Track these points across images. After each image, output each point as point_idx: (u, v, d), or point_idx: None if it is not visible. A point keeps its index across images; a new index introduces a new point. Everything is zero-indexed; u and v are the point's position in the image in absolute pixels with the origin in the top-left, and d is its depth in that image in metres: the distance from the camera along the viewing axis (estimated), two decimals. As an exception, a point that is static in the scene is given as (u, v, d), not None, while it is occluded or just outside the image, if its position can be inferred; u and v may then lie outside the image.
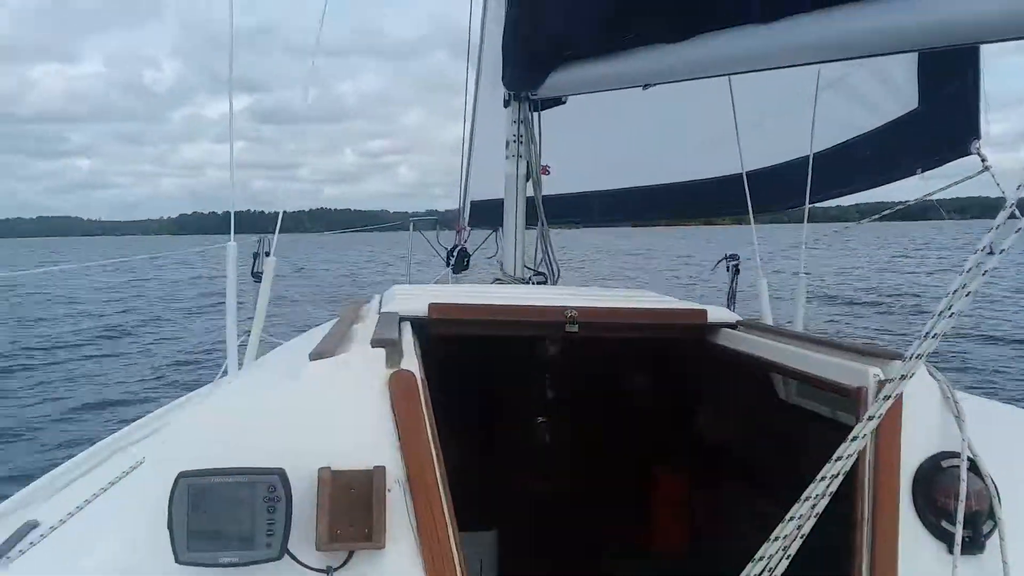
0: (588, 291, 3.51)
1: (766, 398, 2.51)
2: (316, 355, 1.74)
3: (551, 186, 4.54)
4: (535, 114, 3.84)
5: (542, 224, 3.86)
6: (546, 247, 3.94)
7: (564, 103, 3.82)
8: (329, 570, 1.45)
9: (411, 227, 5.92)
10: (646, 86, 3.22)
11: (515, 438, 3.33)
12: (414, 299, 2.50)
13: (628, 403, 3.29)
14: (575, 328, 2.38)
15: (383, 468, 1.49)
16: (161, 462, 1.49)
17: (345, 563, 1.46)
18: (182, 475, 1.39)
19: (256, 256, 3.61)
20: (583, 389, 3.31)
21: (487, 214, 5.59)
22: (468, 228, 5.80)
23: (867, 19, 2.49)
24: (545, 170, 4.20)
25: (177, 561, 1.36)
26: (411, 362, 1.69)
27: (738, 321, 2.51)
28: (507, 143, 3.86)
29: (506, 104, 3.89)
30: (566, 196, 5.21)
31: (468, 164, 5.77)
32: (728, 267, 3.97)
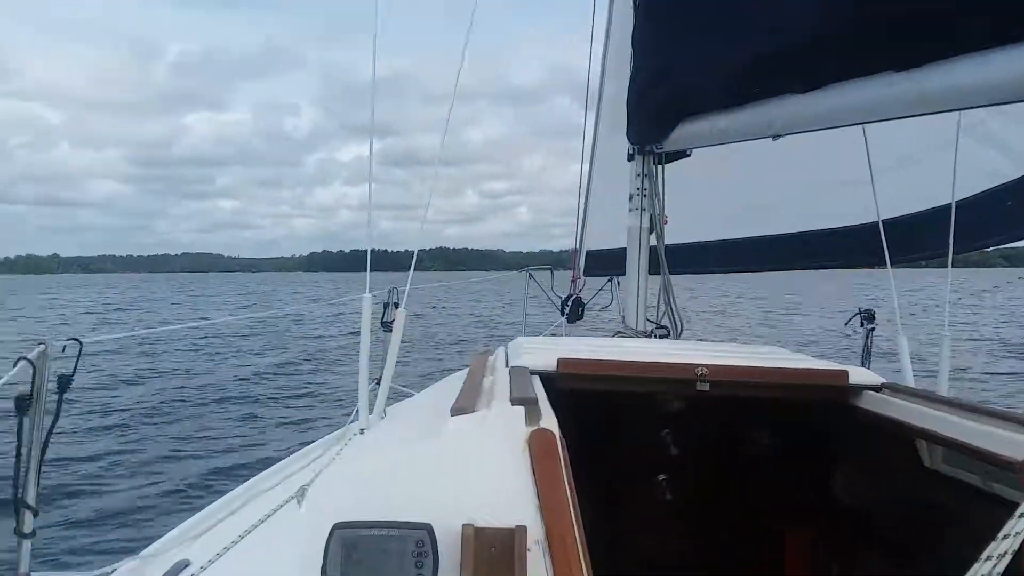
0: (715, 347, 3.43)
1: (910, 465, 2.37)
2: (457, 411, 1.79)
3: (668, 235, 4.51)
4: (658, 167, 3.84)
5: (665, 276, 3.81)
6: (669, 299, 3.89)
7: (689, 156, 3.81)
8: None
9: (528, 276, 5.97)
10: (775, 137, 3.17)
11: (637, 496, 3.24)
12: (541, 353, 2.53)
13: (757, 462, 3.15)
14: (706, 387, 2.36)
15: (524, 528, 1.49)
16: (313, 511, 1.56)
17: None
18: (337, 527, 1.44)
19: (387, 306, 3.72)
20: (708, 446, 3.20)
21: (603, 263, 5.59)
22: (583, 278, 5.81)
23: (1011, 63, 2.38)
24: (664, 220, 4.17)
25: None
26: (550, 421, 1.71)
27: (883, 384, 2.39)
28: (631, 196, 3.87)
29: (630, 158, 3.90)
30: (683, 246, 5.13)
31: (584, 215, 5.80)
32: (862, 322, 3.79)
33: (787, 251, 4.80)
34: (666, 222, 4.14)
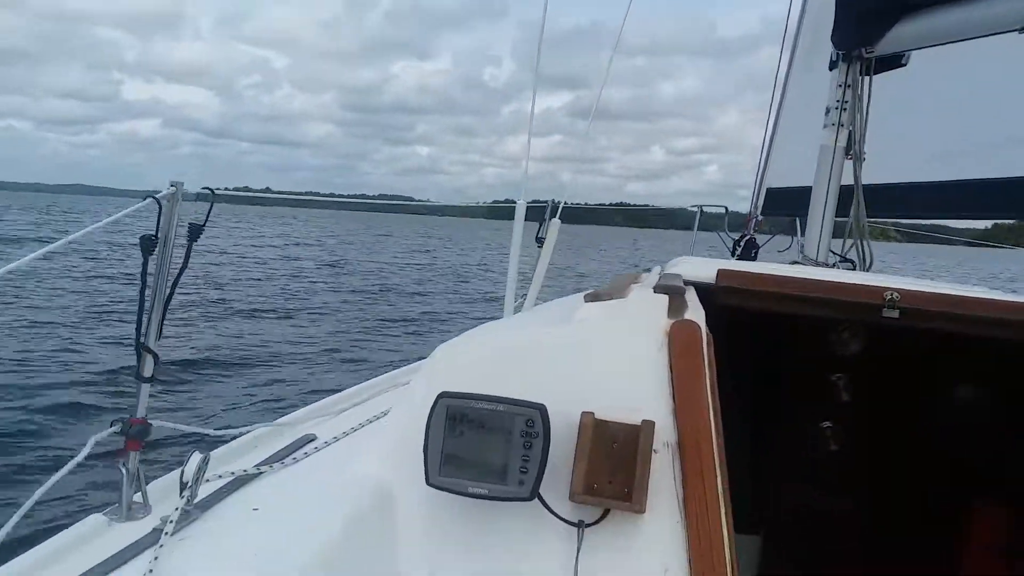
0: (912, 280, 2.96)
1: None
2: (592, 297, 1.61)
3: (865, 174, 4.00)
4: (866, 78, 3.31)
5: (858, 203, 3.32)
6: (860, 231, 3.40)
7: (905, 64, 3.25)
8: (581, 524, 1.31)
9: (699, 212, 5.60)
10: (1023, 29, 2.57)
11: (796, 441, 2.92)
12: (701, 266, 2.24)
13: (947, 418, 2.72)
14: (895, 313, 1.95)
15: (652, 424, 1.31)
16: (424, 383, 1.45)
17: (598, 521, 1.31)
18: (442, 395, 1.33)
19: (541, 222, 3.61)
20: (888, 395, 2.80)
21: (786, 202, 5.08)
22: (761, 217, 5.32)
23: None
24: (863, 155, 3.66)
25: (428, 483, 1.31)
26: (697, 314, 1.49)
27: None
28: (827, 110, 3.38)
29: (832, 65, 3.40)
30: (884, 186, 4.53)
31: (770, 147, 5.28)
32: None
33: (1008, 199, 4.06)
34: (864, 158, 3.64)
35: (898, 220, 5.03)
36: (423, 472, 1.31)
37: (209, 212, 1.61)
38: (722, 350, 1.76)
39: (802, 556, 2.85)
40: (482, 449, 1.30)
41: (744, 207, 5.57)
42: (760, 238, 5.21)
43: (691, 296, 1.80)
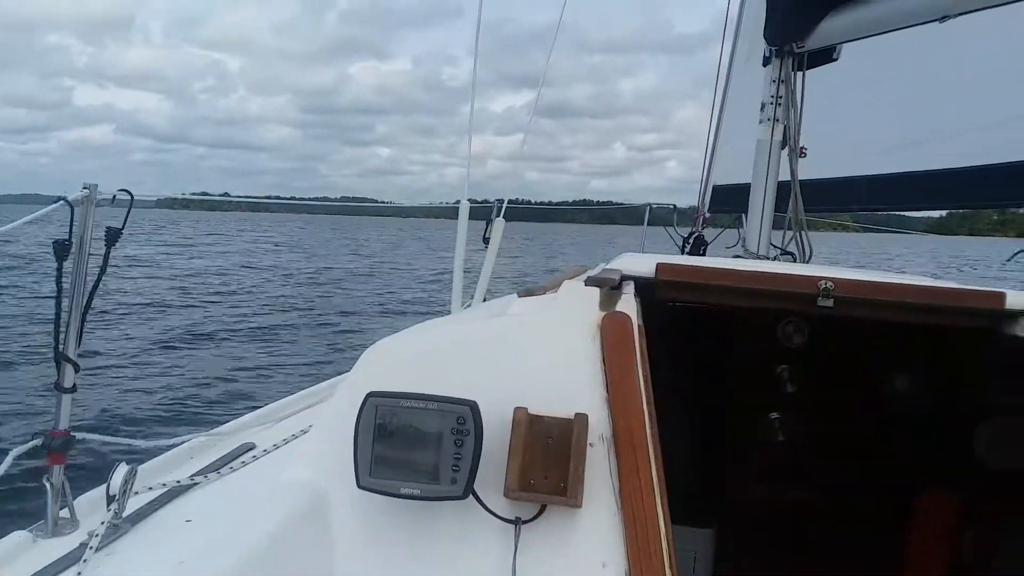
0: (848, 270, 3.03)
1: None
2: (525, 293, 1.61)
3: (805, 170, 4.10)
4: (798, 73, 3.38)
5: (796, 198, 3.39)
6: (799, 224, 3.47)
7: (836, 59, 3.33)
8: (518, 521, 1.30)
9: (647, 210, 5.67)
10: (944, 18, 2.64)
11: (743, 433, 2.96)
12: (641, 261, 2.25)
13: (888, 406, 2.78)
14: (830, 303, 1.99)
15: (585, 417, 1.31)
16: (353, 384, 1.43)
17: (535, 518, 1.30)
18: (371, 395, 1.31)
19: (488, 222, 3.61)
20: (830, 385, 2.85)
21: (732, 199, 5.17)
22: (708, 215, 5.41)
23: None
24: (801, 152, 3.75)
25: (359, 485, 1.29)
26: (629, 306, 1.49)
27: None
28: (762, 106, 3.45)
29: (766, 62, 3.47)
30: (824, 181, 4.63)
31: (714, 146, 5.37)
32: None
33: (949, 188, 4.18)
34: (803, 154, 3.73)
35: (837, 213, 5.13)
36: (354, 474, 1.30)
37: (127, 215, 1.56)
38: (665, 344, 1.77)
39: (756, 547, 2.89)
40: (413, 449, 1.28)
41: (695, 203, 5.66)
42: (710, 234, 5.31)
43: (627, 289, 1.80)
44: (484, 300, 3.42)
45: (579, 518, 1.30)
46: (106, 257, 1.55)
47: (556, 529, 1.30)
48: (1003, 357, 2.15)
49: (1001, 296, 1.97)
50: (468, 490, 1.28)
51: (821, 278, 2.01)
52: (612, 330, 1.41)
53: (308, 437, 1.66)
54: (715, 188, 5.42)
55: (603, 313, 1.45)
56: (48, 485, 1.48)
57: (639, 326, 1.44)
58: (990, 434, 2.46)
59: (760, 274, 2.19)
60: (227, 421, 2.28)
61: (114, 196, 1.53)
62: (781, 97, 3.34)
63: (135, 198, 1.59)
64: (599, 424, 1.33)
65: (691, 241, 5.18)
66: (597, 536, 1.28)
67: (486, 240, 3.62)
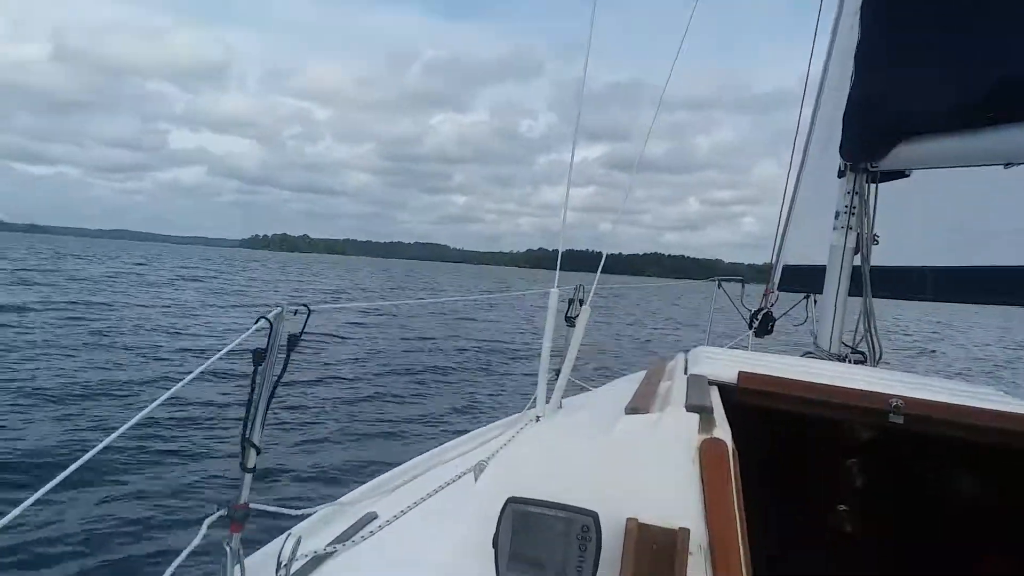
0: (918, 379, 3.15)
1: None
2: (631, 410, 1.82)
3: (878, 256, 4.26)
4: (871, 186, 3.63)
5: (867, 297, 3.59)
6: (869, 323, 3.66)
7: (907, 176, 3.55)
8: None
9: (717, 284, 5.83)
10: (1007, 165, 2.89)
11: (813, 524, 3.07)
12: (722, 364, 2.46)
13: (957, 511, 2.84)
14: (899, 420, 2.16)
15: (687, 530, 1.50)
16: (492, 483, 1.67)
17: None
18: (511, 500, 1.53)
19: (571, 302, 3.87)
20: (900, 481, 2.95)
21: (801, 279, 5.34)
22: (776, 292, 5.57)
23: None
24: (874, 239, 3.92)
25: None
26: (723, 431, 1.71)
27: None
28: (837, 214, 3.68)
29: (841, 174, 3.70)
30: (894, 269, 4.77)
31: (786, 226, 5.55)
32: None
33: (1017, 284, 4.28)
34: (876, 242, 3.89)
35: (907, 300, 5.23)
36: (492, 568, 1.50)
37: (304, 325, 1.80)
38: (748, 436, 1.95)
39: None
40: (544, 550, 1.49)
41: (767, 260, 5.75)
42: (777, 309, 5.44)
43: (718, 408, 2.00)
44: (568, 379, 3.65)
45: None
46: (287, 358, 1.78)
47: None
48: None
49: None
50: None
51: (892, 396, 2.17)
52: (710, 454, 1.63)
53: (432, 511, 1.87)
54: (785, 267, 5.59)
55: (702, 437, 1.66)
56: (228, 549, 1.70)
57: (732, 450, 1.65)
58: None
59: (835, 388, 2.35)
60: (349, 490, 2.48)
61: (296, 310, 1.81)
62: (855, 207, 3.56)
63: (311, 308, 1.87)
64: (697, 535, 1.52)
65: (759, 318, 5.31)
66: None
67: (569, 320, 3.86)
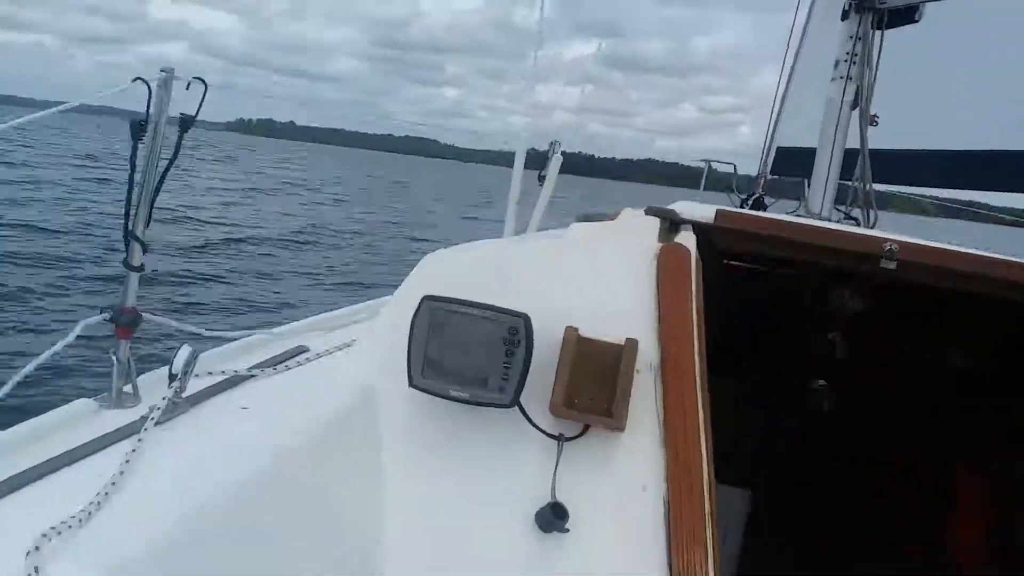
0: (915, 238, 3.00)
1: None
2: (584, 218, 1.61)
3: (876, 140, 3.96)
4: (877, 32, 3.25)
5: (864, 159, 3.30)
6: (866, 190, 3.38)
7: (918, 20, 3.19)
8: (561, 438, 1.34)
9: (707, 167, 5.54)
10: None
11: (786, 397, 2.96)
12: (701, 208, 2.23)
13: (938, 381, 2.74)
14: (892, 265, 1.94)
15: (635, 343, 1.33)
16: (410, 288, 1.47)
17: (579, 436, 1.34)
18: (427, 298, 1.35)
19: (544, 162, 3.60)
20: (881, 356, 2.82)
21: (797, 163, 5.02)
22: (769, 176, 5.27)
23: None
24: (873, 120, 3.64)
25: (411, 384, 1.34)
26: (688, 238, 1.50)
27: None
28: (836, 63, 3.34)
29: (844, 16, 3.35)
30: (894, 152, 4.47)
31: (782, 104, 5.19)
32: None
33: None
34: (875, 123, 3.62)
35: (910, 189, 4.95)
36: (407, 374, 1.35)
37: (201, 102, 1.52)
38: (722, 296, 1.75)
39: (791, 513, 2.89)
40: (465, 354, 1.33)
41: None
42: (769, 200, 5.17)
43: (686, 228, 1.80)
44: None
45: (621, 441, 1.32)
46: (179, 143, 1.53)
47: (598, 450, 1.33)
48: None
49: None
50: (515, 400, 1.32)
51: (886, 239, 1.96)
52: (670, 261, 1.42)
53: (364, 338, 1.72)
54: (779, 150, 5.27)
55: (661, 244, 1.45)
56: (115, 359, 1.51)
57: (696, 260, 1.45)
58: None
59: (822, 230, 2.15)
60: (283, 323, 2.33)
61: (188, 83, 1.50)
62: (856, 55, 3.22)
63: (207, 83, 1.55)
64: (648, 351, 1.35)
65: (750, 203, 5.05)
66: (639, 460, 1.31)
67: (541, 178, 3.63)
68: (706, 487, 1.28)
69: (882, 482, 2.80)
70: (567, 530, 1.30)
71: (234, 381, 1.60)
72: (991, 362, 2.66)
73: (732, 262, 3.47)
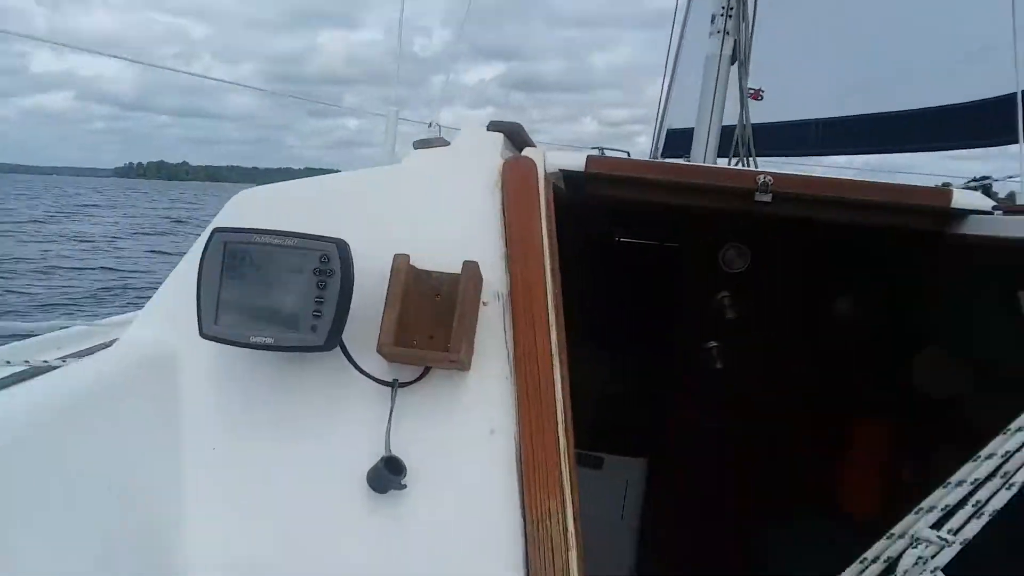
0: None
1: (1011, 325, 1.86)
2: (422, 143, 1.41)
3: (763, 114, 4.00)
4: None
5: (744, 109, 3.27)
6: (745, 140, 3.35)
7: None
8: (395, 384, 1.14)
9: (600, 153, 5.51)
10: None
11: (679, 361, 2.91)
12: (572, 155, 2.09)
13: (827, 333, 2.72)
14: (767, 197, 1.84)
15: (475, 265, 1.14)
16: (209, 231, 1.22)
17: (417, 380, 1.15)
18: (217, 231, 1.12)
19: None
20: (770, 312, 2.80)
21: (687, 143, 5.06)
22: (660, 160, 5.29)
23: None
24: (757, 95, 3.66)
25: (201, 334, 1.11)
26: (536, 155, 1.31)
27: (995, 206, 1.83)
28: (712, 17, 3.31)
29: None
30: (779, 124, 4.57)
31: (671, 84, 5.23)
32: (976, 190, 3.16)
33: (903, 130, 4.14)
34: (759, 97, 3.63)
35: (790, 157, 5.06)
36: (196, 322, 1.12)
37: None
38: (608, 275, 1.59)
39: (689, 476, 2.83)
40: (267, 293, 1.10)
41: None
42: None
43: (537, 151, 1.68)
44: None
45: (466, 382, 1.16)
46: None
47: (440, 393, 1.16)
48: (946, 264, 2.04)
49: (948, 194, 1.81)
50: (332, 342, 1.10)
51: (760, 172, 1.87)
52: (515, 177, 1.24)
53: (156, 294, 1.50)
54: (669, 131, 5.29)
55: (504, 159, 1.28)
56: None
57: (546, 176, 1.28)
58: (925, 364, 2.40)
59: (695, 168, 2.08)
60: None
61: None
62: (732, 8, 3.21)
63: None
64: (496, 281, 1.18)
65: None
66: (486, 401, 1.15)
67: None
68: (562, 425, 1.13)
69: (777, 437, 2.76)
70: (404, 486, 1.12)
71: (36, 371, 1.34)
72: (876, 308, 2.65)
73: (622, 239, 3.44)
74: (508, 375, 1.15)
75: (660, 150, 5.34)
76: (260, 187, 1.36)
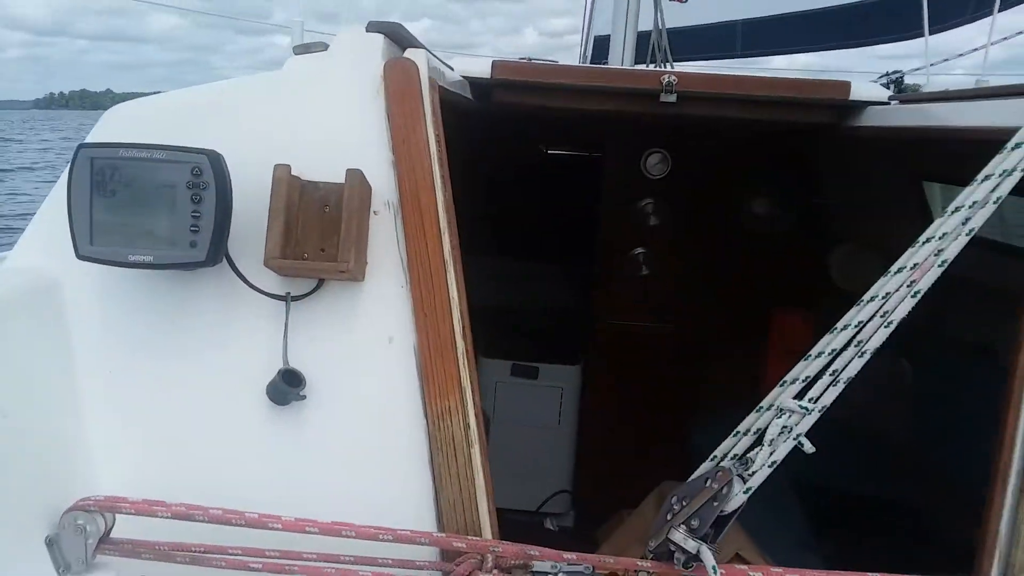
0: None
1: (916, 213, 1.97)
2: (301, 49, 1.36)
3: (686, 17, 4.04)
4: None
5: (657, 11, 3.26)
6: (666, 50, 3.35)
7: None
8: (288, 297, 1.15)
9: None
10: None
11: (609, 269, 3.01)
12: (479, 63, 2.03)
13: (744, 232, 2.86)
14: (672, 98, 1.86)
15: (359, 173, 1.13)
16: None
17: (311, 293, 1.16)
18: (83, 147, 1.10)
19: None
20: (691, 215, 2.91)
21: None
22: (588, 65, 5.25)
23: None
24: None
25: (78, 256, 1.10)
26: (419, 56, 1.28)
27: (891, 96, 1.88)
28: None
29: None
30: (702, 27, 4.58)
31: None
32: (889, 85, 3.27)
33: (820, 28, 4.20)
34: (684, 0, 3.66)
35: (715, 60, 5.09)
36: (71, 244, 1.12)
37: None
38: (540, 192, 1.57)
39: (619, 379, 2.96)
40: (142, 209, 1.09)
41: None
42: None
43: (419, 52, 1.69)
44: None
45: (361, 292, 1.17)
46: None
47: (336, 306, 1.17)
48: (851, 157, 2.12)
49: (846, 86, 1.87)
50: (215, 256, 1.11)
51: (664, 72, 1.89)
52: (397, 78, 1.21)
53: (32, 221, 1.45)
54: (598, 39, 5.24)
55: (386, 61, 1.26)
56: None
57: (429, 77, 1.27)
58: (840, 259, 2.54)
59: (600, 70, 2.07)
60: None
61: None
62: None
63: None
64: (385, 189, 1.18)
65: None
66: (382, 310, 1.18)
67: None
68: (458, 330, 1.16)
69: (701, 335, 2.91)
70: (303, 397, 1.15)
71: None
72: (794, 211, 2.78)
73: (550, 152, 3.47)
74: (404, 284, 1.17)
75: (589, 58, 5.30)
76: (133, 100, 1.33)
